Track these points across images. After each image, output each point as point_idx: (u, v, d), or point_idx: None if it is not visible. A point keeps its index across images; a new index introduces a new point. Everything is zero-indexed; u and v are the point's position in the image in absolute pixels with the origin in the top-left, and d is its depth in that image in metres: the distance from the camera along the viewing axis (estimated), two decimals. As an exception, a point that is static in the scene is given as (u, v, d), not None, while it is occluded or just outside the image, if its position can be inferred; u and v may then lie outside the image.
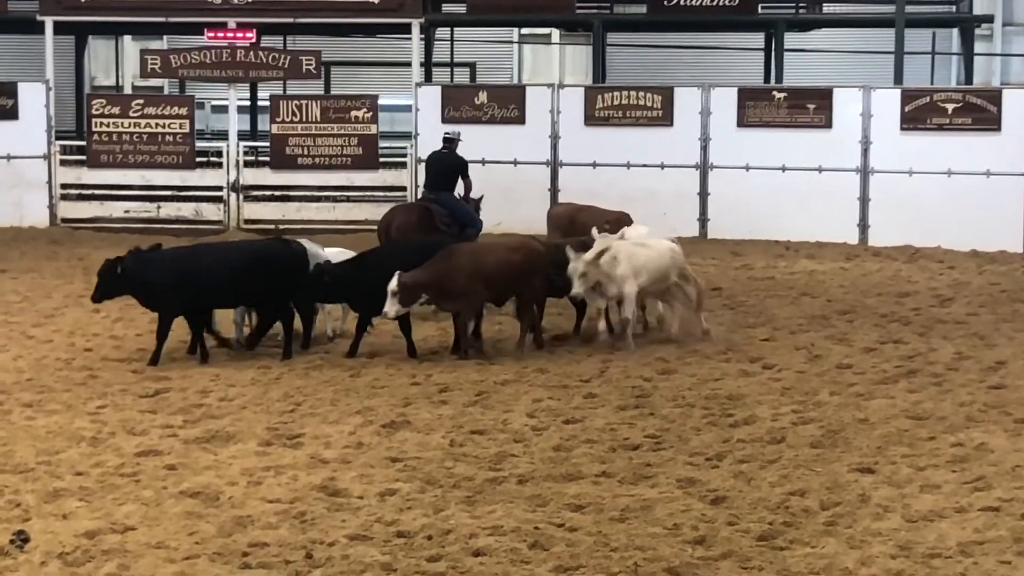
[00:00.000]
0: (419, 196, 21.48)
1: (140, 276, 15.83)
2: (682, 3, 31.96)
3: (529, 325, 16.89)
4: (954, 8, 35.11)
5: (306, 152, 29.68)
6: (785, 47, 33.26)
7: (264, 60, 30.19)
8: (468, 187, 21.30)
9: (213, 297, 16.30)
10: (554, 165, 28.99)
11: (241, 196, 29.52)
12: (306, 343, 16.76)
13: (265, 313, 16.68)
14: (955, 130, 27.67)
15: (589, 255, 16.49)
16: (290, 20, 31.40)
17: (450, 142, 21.51)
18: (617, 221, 20.40)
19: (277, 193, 29.85)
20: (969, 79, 33.83)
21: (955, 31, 37.79)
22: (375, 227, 28.13)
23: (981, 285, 22.84)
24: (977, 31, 36.49)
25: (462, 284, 16.12)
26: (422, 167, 28.92)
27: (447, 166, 21.26)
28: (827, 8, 36.67)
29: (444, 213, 20.63)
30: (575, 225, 21.35)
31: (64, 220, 29.08)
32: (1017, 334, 18.13)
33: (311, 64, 30.23)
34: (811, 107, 28.35)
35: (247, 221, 29.38)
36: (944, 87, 33.05)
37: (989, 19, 39.54)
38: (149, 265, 16.00)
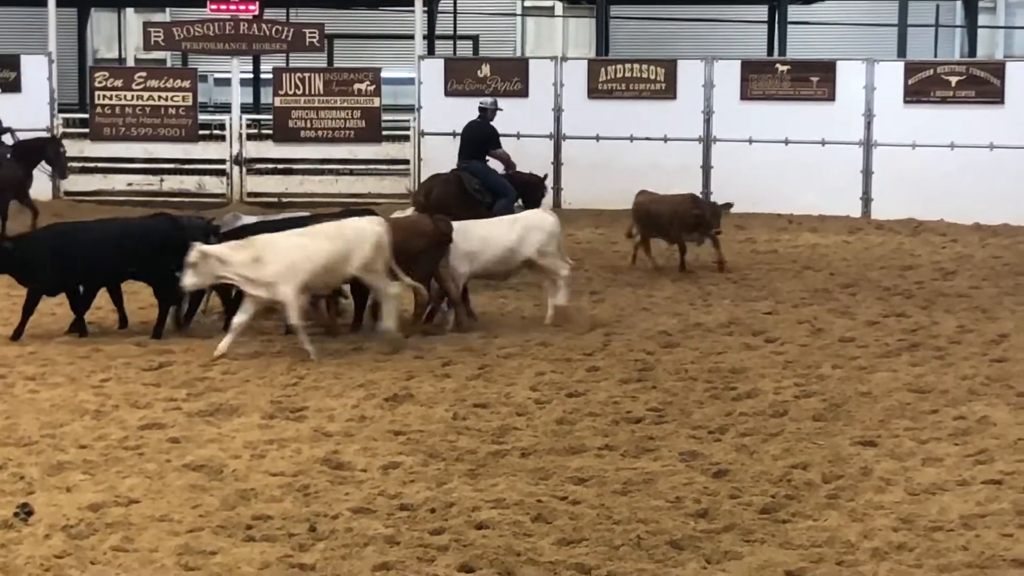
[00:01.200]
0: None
1: (17, 253, 15.65)
2: (686, -25, 31.90)
3: (424, 301, 16.37)
4: (958, -20, 35.09)
5: (309, 125, 29.65)
6: (788, 20, 33.21)
7: (267, 33, 30.14)
8: (503, 158, 21.08)
9: (90, 275, 15.97)
10: (557, 138, 28.97)
11: (244, 169, 29.50)
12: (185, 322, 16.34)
13: (156, 293, 16.18)
14: (958, 103, 27.64)
15: (215, 248, 14.85)
16: (293, -8, 31.36)
17: (483, 111, 21.45)
18: (697, 203, 20.82)
19: (280, 166, 29.84)
20: (973, 52, 33.80)
21: (959, 3, 37.76)
22: (378, 200, 28.31)
23: (984, 258, 22.84)
24: (981, 3, 36.46)
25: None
26: (425, 140, 29.03)
27: (476, 135, 21.20)
28: (831, -19, 36.65)
29: (476, 182, 20.57)
30: (650, 215, 21.25)
31: (67, 193, 29.06)
32: (1020, 307, 18.13)
33: (314, 37, 30.18)
34: (814, 80, 28.31)
35: (250, 194, 29.37)
36: (947, 60, 33.01)
37: (993, -9, 39.50)
38: (26, 242, 15.92)
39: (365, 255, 15.01)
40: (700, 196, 21.21)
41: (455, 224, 16.49)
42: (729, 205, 21.48)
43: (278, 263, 14.64)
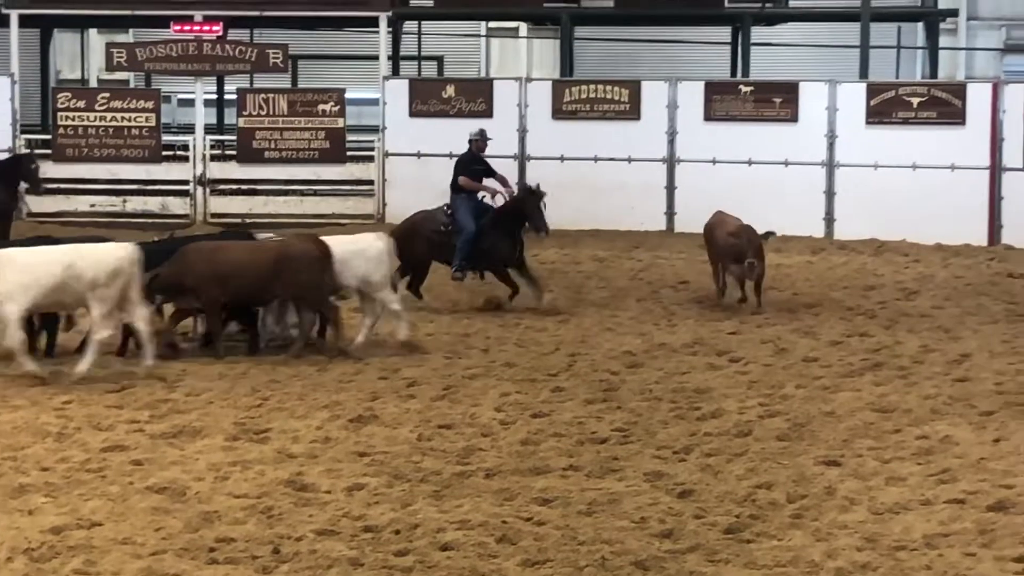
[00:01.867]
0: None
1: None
2: (649, -3, 31.98)
3: (309, 327, 16.39)
4: (919, 2, 35.24)
5: (273, 146, 29.61)
6: (751, 41, 33.32)
7: (231, 53, 30.12)
8: (488, 188, 20.42)
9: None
10: (522, 159, 28.99)
11: (208, 190, 29.44)
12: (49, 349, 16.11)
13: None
14: (920, 124, 27.78)
15: None
16: (257, 13, 31.29)
17: (469, 143, 20.94)
18: (737, 231, 19.56)
19: (244, 187, 29.80)
20: (934, 73, 33.95)
21: (920, 25, 37.87)
22: (342, 221, 28.28)
23: (946, 278, 22.95)
24: (942, 25, 36.57)
25: (192, 284, 15.85)
26: (389, 160, 29.01)
27: (454, 169, 20.92)
28: (793, 2, 36.77)
29: (444, 220, 20.11)
30: (713, 238, 20.35)
31: (30, 214, 28.91)
32: (982, 327, 18.23)
33: (278, 57, 30.17)
34: (777, 101, 28.42)
35: (214, 215, 29.30)
36: (909, 81, 33.25)
37: (954, 13, 39.65)
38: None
39: (97, 279, 14.52)
40: (747, 225, 19.89)
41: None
42: (770, 234, 19.92)
43: (7, 282, 14.30)
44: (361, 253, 16.61)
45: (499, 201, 20.36)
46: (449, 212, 20.07)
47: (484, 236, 19.71)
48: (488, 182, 20.43)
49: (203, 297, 15.96)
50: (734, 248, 19.50)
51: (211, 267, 15.96)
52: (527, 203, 19.90)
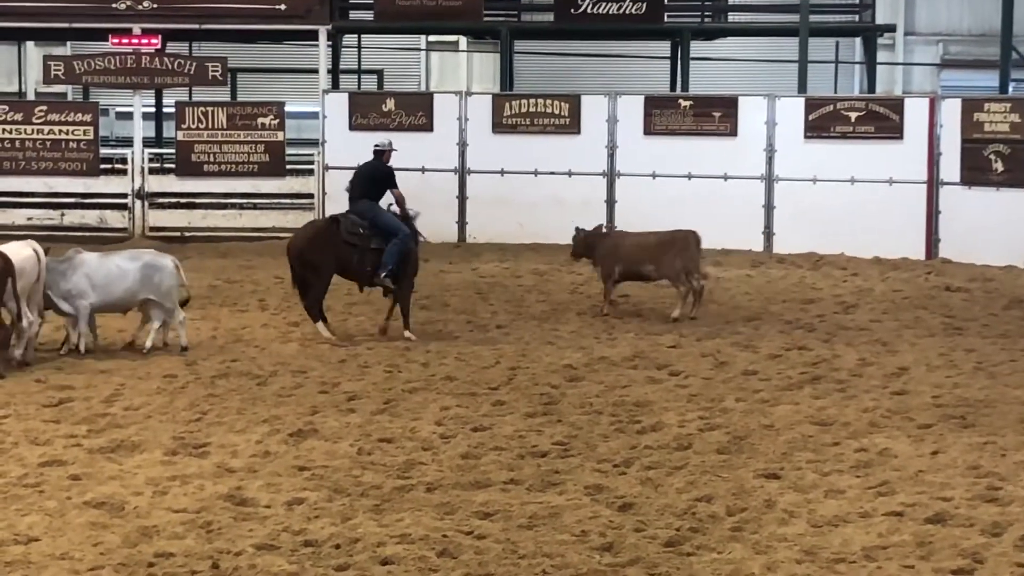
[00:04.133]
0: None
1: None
2: (589, 11, 32.01)
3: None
4: (857, 18, 35.51)
5: (212, 159, 29.50)
6: (691, 56, 33.46)
7: (170, 66, 29.99)
8: (398, 199, 20.31)
9: None
10: (462, 172, 29.00)
11: (146, 203, 29.29)
12: None
13: None
14: (858, 138, 27.96)
15: None
16: (196, 26, 31.16)
17: (379, 154, 20.84)
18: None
19: (183, 200, 29.65)
20: (872, 88, 34.21)
21: (858, 40, 38.16)
22: (282, 234, 28.16)
23: (884, 292, 23.09)
24: (879, 40, 36.89)
25: None
26: (329, 174, 28.96)
27: (371, 176, 20.67)
28: (732, 17, 36.97)
29: (359, 223, 19.92)
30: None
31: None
32: (919, 340, 18.36)
33: (217, 70, 30.05)
34: (717, 115, 28.55)
35: (152, 228, 29.16)
36: (847, 96, 33.48)
37: (891, 28, 39.99)
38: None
39: None
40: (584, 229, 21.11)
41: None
42: None
43: None
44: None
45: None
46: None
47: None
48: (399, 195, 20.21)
49: None
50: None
51: None
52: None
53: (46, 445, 12.38)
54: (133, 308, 17.33)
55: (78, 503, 10.53)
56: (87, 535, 9.75)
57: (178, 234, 28.45)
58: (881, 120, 27.94)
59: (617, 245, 20.83)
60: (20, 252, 16.03)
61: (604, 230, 21.83)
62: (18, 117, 29.47)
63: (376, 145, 20.24)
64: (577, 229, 21.27)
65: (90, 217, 29.41)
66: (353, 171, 20.32)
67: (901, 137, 27.76)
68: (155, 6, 30.03)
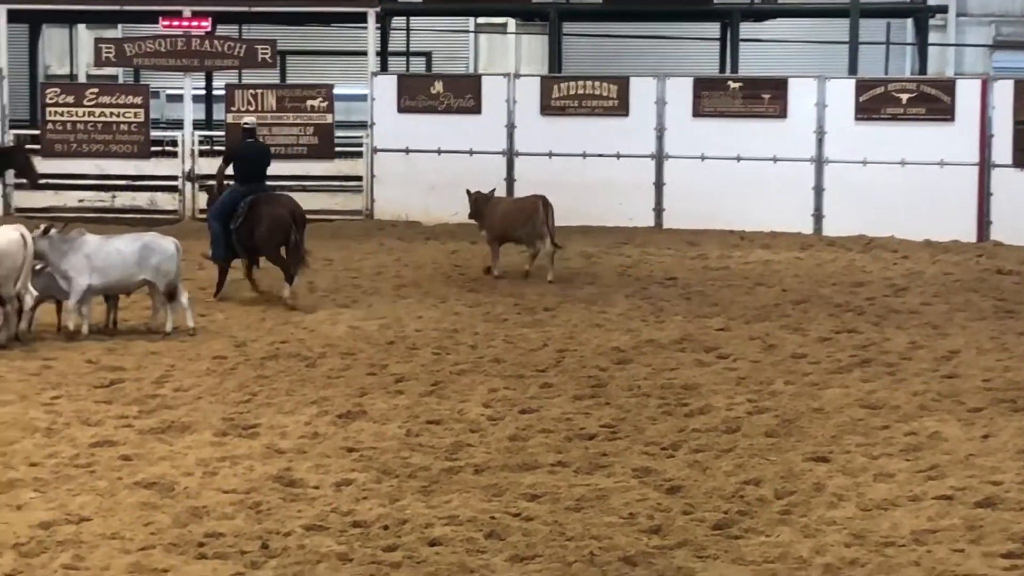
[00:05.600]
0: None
1: None
2: (638, -8, 31.98)
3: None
4: (908, -1, 35.32)
5: (262, 141, 29.54)
6: (740, 37, 33.36)
7: (219, 49, 30.06)
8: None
9: None
10: (510, 155, 28.97)
11: (196, 185, 29.38)
12: None
13: None
14: (909, 120, 27.77)
15: None
16: (245, 9, 31.28)
17: (253, 131, 21.25)
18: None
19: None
20: (923, 69, 34.02)
21: (909, 21, 37.96)
22: (331, 216, 28.27)
23: (935, 275, 22.97)
24: (931, 21, 36.69)
25: None
26: (378, 156, 29.00)
27: (266, 157, 21.05)
28: (782, -2, 36.85)
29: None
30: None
31: (18, 209, 28.87)
32: (970, 323, 18.25)
33: (266, 53, 30.12)
34: (766, 97, 28.42)
35: (202, 211, 29.21)
36: (898, 77, 33.22)
37: (943, 9, 39.73)
38: None
39: None
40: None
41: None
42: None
43: None
44: None
45: None
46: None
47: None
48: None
49: None
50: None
51: None
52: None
53: (97, 426, 12.46)
54: (134, 290, 17.43)
55: (129, 483, 10.59)
56: (138, 515, 9.82)
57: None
58: (932, 102, 27.75)
59: (493, 211, 22.36)
60: (5, 235, 16.16)
61: (496, 195, 23.19)
62: (70, 100, 29.62)
63: (248, 124, 20.88)
64: (468, 192, 22.80)
65: (141, 199, 29.54)
66: (240, 150, 20.87)
67: (952, 119, 27.56)
68: (205, -11, 30.14)
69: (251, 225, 19.56)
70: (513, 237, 22.21)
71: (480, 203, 22.62)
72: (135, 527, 9.55)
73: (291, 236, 19.27)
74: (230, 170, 20.91)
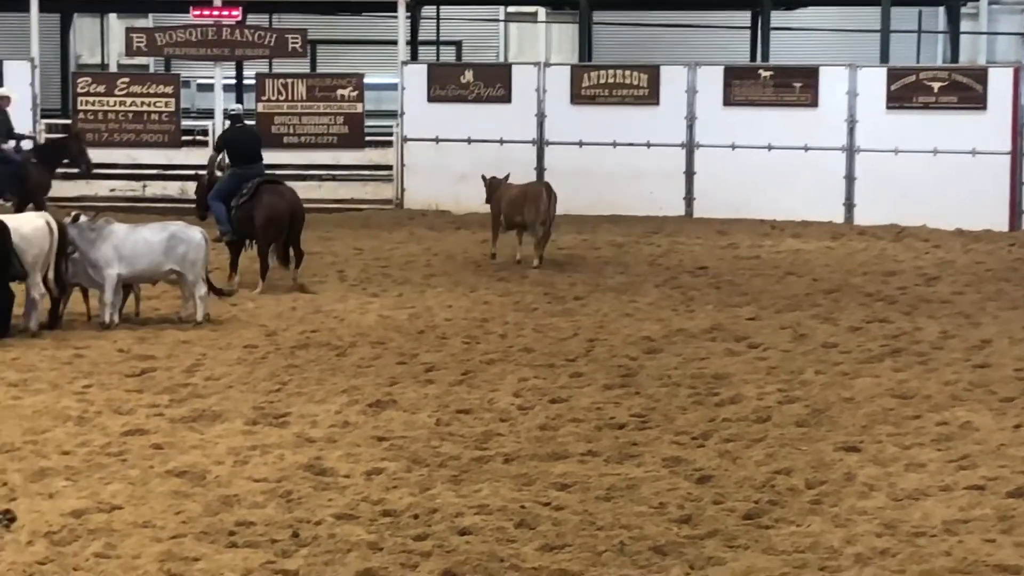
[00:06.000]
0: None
1: None
2: (668, -19, 31.92)
3: None
4: (940, -13, 35.17)
5: (292, 131, 29.65)
6: (771, 25, 33.26)
7: (250, 38, 30.14)
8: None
9: None
10: (540, 144, 28.97)
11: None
12: None
13: None
14: (941, 109, 27.69)
15: None
16: (276, -2, 31.35)
17: (240, 118, 21.45)
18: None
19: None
20: (955, 58, 33.89)
21: (941, 9, 37.82)
22: (361, 206, 28.31)
23: (966, 264, 22.89)
24: (963, 9, 36.55)
25: None
26: (408, 146, 29.02)
27: (258, 139, 21.36)
28: (813, -14, 36.71)
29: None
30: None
31: (50, 199, 28.96)
32: (1002, 313, 18.19)
33: (297, 42, 30.18)
34: (797, 86, 28.36)
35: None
36: (930, 66, 33.11)
37: (975, -3, 39.59)
38: None
39: None
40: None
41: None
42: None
43: None
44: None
45: None
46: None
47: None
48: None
49: None
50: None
51: None
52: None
53: (129, 415, 12.50)
54: (161, 279, 17.46)
55: (160, 472, 10.63)
56: (169, 503, 9.84)
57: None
58: (964, 90, 27.66)
59: (500, 196, 22.88)
60: (33, 222, 16.31)
61: (508, 181, 23.32)
62: (101, 89, 29.74)
63: (236, 110, 21.06)
64: (483, 177, 23.39)
65: (172, 188, 29.62)
66: (231, 136, 21.12)
67: (984, 107, 27.47)
68: (236, -22, 30.20)
69: (251, 210, 19.71)
70: (515, 223, 22.53)
71: (493, 188, 23.06)
72: (166, 515, 9.58)
73: (285, 233, 19.49)
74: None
